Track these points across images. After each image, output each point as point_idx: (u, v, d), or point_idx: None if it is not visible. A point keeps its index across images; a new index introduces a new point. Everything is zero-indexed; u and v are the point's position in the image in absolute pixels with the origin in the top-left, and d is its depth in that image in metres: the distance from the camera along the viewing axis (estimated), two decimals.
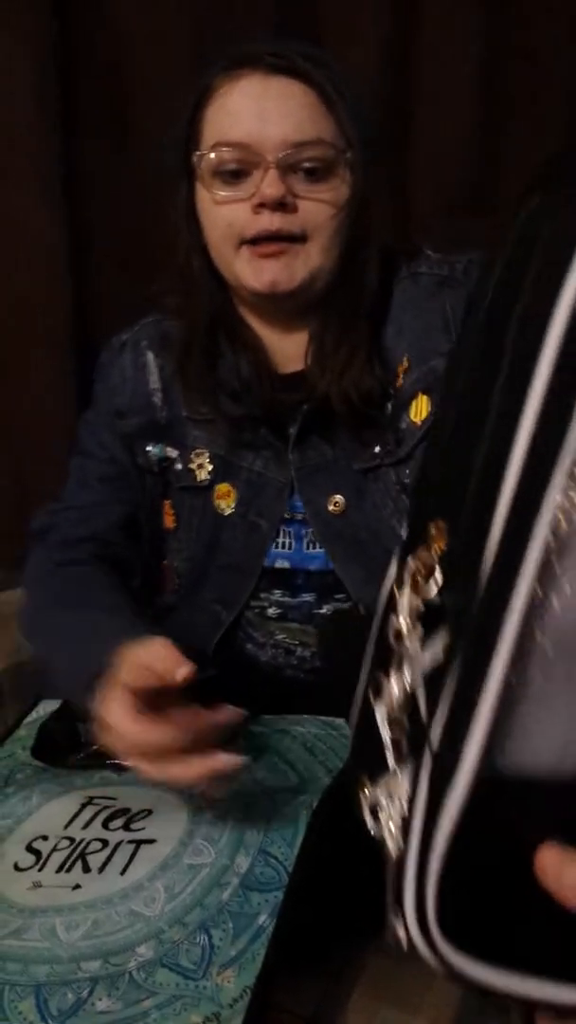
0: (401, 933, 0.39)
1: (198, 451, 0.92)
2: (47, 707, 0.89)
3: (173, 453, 0.95)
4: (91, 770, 0.81)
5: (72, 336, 1.27)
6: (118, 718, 0.66)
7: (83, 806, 0.76)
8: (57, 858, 0.70)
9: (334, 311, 0.88)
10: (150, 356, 0.96)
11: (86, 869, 0.69)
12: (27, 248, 1.23)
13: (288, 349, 0.92)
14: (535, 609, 0.36)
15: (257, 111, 0.81)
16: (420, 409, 0.87)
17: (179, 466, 0.94)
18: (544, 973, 0.36)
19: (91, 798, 0.77)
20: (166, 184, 1.27)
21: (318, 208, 0.83)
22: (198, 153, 0.85)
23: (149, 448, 0.96)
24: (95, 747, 0.80)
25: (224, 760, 0.65)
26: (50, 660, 0.85)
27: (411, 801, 0.39)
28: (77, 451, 1.02)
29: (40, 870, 0.70)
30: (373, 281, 0.88)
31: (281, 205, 0.81)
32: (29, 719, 0.89)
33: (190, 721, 0.66)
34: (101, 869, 0.69)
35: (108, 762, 0.80)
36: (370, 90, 1.24)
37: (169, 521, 0.95)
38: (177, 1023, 0.58)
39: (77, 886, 0.68)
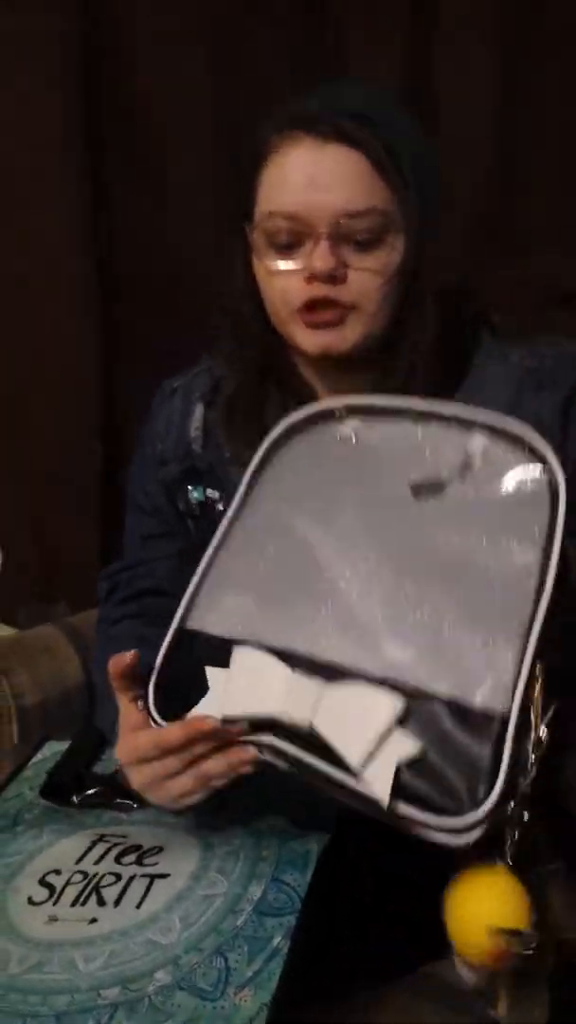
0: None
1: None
2: (54, 748, 0.91)
3: (214, 495, 0.98)
4: (99, 809, 0.83)
5: (97, 378, 1.31)
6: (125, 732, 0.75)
7: (94, 843, 0.78)
8: (71, 892, 0.72)
9: (392, 364, 0.89)
10: (199, 407, 0.99)
11: (101, 902, 0.71)
12: (56, 301, 1.28)
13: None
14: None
15: (309, 181, 0.82)
16: None
17: (220, 507, 0.96)
18: None
19: (102, 835, 0.79)
20: (197, 236, 1.28)
21: (368, 277, 0.84)
22: (251, 225, 0.87)
23: (190, 489, 0.99)
24: (102, 787, 0.83)
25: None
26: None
27: None
28: (128, 504, 1.07)
29: (55, 904, 0.72)
30: (430, 334, 0.88)
31: (331, 277, 0.83)
32: (36, 759, 0.91)
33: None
34: (117, 903, 0.71)
35: (116, 801, 0.83)
36: None
37: None
38: None
39: (94, 920, 0.70)
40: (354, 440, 0.79)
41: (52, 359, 1.31)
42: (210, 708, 0.71)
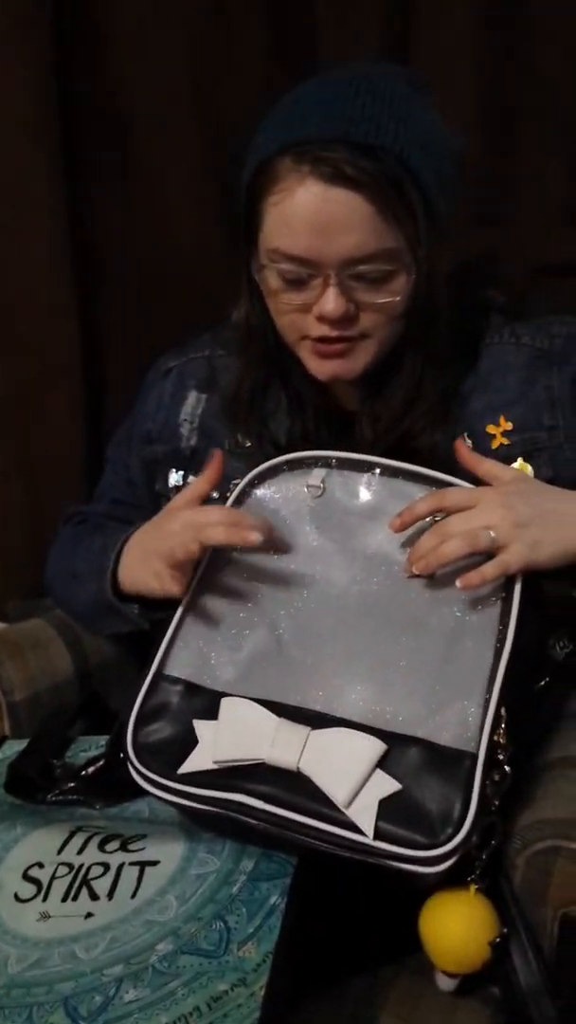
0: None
1: (236, 482, 0.92)
2: (14, 747, 0.93)
3: None
4: (70, 807, 0.84)
5: (82, 371, 1.32)
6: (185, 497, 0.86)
7: (72, 833, 0.79)
8: (59, 886, 0.74)
9: (394, 362, 0.91)
10: (192, 394, 1.03)
11: (93, 896, 0.73)
12: (34, 285, 1.28)
13: (346, 392, 0.97)
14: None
15: (315, 227, 0.81)
16: None
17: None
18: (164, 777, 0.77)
19: (79, 827, 0.81)
20: (171, 217, 1.29)
21: (378, 313, 0.85)
22: (255, 251, 0.87)
23: (172, 472, 1.03)
24: (71, 784, 0.85)
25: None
26: (73, 578, 0.98)
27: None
28: (107, 458, 1.14)
29: (44, 900, 0.73)
30: (441, 335, 0.90)
31: (341, 318, 0.84)
32: None
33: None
34: (110, 895, 0.73)
35: (87, 798, 0.85)
36: None
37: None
38: (204, 995, 0.63)
39: (89, 915, 0.72)
40: (322, 490, 0.85)
41: (32, 352, 1.32)
42: (202, 758, 0.76)
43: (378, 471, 0.84)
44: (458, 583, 0.75)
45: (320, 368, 0.90)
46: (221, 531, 0.80)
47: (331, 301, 0.83)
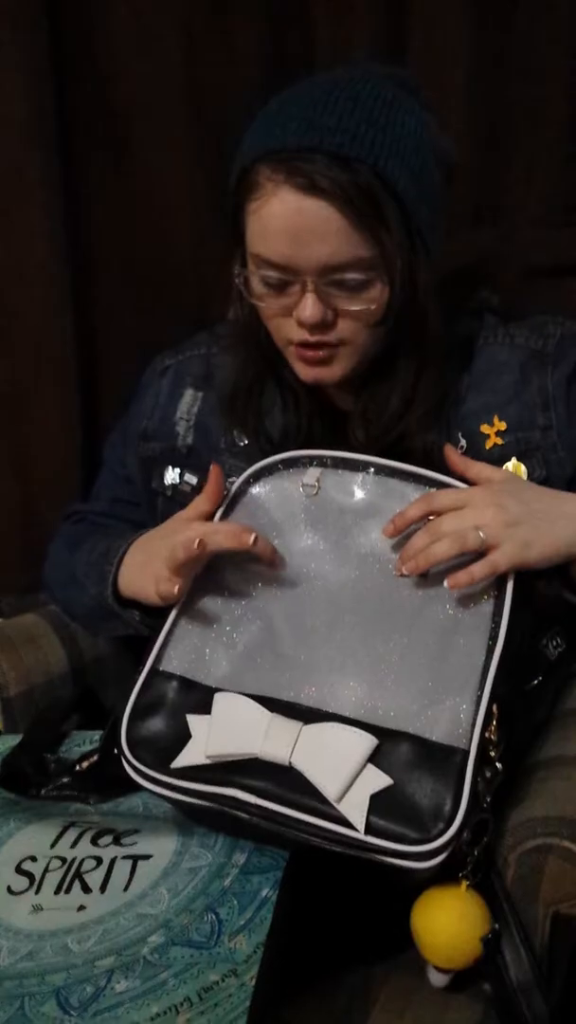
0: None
1: (232, 480, 0.93)
2: (6, 742, 0.93)
3: (192, 480, 1.02)
4: (65, 802, 0.85)
5: (76, 368, 1.33)
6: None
7: (66, 828, 0.80)
8: (52, 879, 0.75)
9: (388, 366, 0.92)
10: (189, 391, 1.05)
11: (86, 889, 0.74)
12: (29, 283, 1.29)
13: (338, 393, 0.98)
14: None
15: (290, 235, 0.82)
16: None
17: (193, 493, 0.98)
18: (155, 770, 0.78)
19: (72, 821, 0.81)
20: (167, 217, 1.30)
21: (357, 319, 0.87)
22: (240, 269, 0.90)
23: (168, 469, 1.04)
24: (65, 779, 0.86)
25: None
26: (73, 581, 0.99)
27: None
28: (104, 457, 1.15)
29: (37, 893, 0.74)
30: (431, 339, 0.90)
31: (320, 323, 0.86)
32: None
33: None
34: (103, 888, 0.74)
35: (81, 794, 0.86)
36: None
37: None
38: (195, 985, 0.64)
39: (81, 907, 0.72)
40: (317, 489, 0.86)
41: (27, 350, 1.33)
42: (195, 753, 0.76)
43: (372, 470, 0.85)
44: (446, 582, 0.76)
45: (304, 372, 0.92)
46: (223, 536, 0.81)
47: (308, 307, 0.85)
